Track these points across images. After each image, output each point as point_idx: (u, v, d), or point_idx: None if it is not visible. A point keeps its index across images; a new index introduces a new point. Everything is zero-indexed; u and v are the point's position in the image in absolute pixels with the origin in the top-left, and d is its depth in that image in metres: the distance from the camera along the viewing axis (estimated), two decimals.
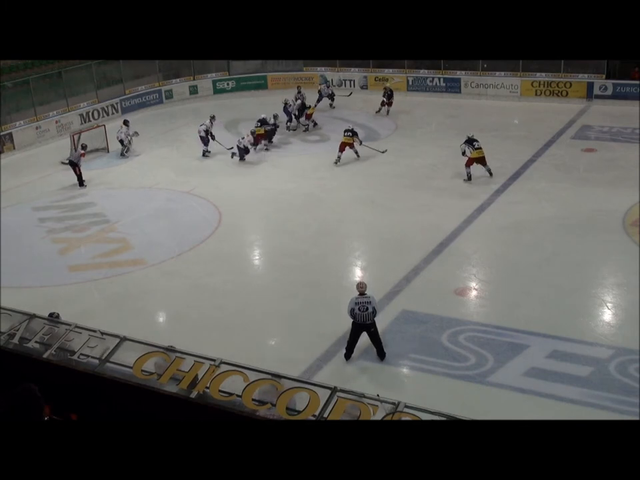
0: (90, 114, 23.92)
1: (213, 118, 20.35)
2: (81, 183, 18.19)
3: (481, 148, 16.57)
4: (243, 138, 19.48)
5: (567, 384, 9.12)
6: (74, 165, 18.11)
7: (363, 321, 9.61)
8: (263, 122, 20.05)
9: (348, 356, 9.90)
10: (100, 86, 24.70)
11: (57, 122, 22.84)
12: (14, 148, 21.53)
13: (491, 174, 16.71)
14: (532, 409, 8.57)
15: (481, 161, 16.61)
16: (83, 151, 18.18)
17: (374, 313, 9.60)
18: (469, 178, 16.62)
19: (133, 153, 20.44)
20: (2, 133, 21.34)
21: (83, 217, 16.14)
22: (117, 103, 24.91)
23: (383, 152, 18.83)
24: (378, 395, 5.16)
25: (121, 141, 20.39)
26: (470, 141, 16.74)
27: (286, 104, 22.35)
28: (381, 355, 9.85)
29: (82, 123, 23.31)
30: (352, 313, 9.63)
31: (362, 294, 9.63)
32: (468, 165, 16.62)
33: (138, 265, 13.54)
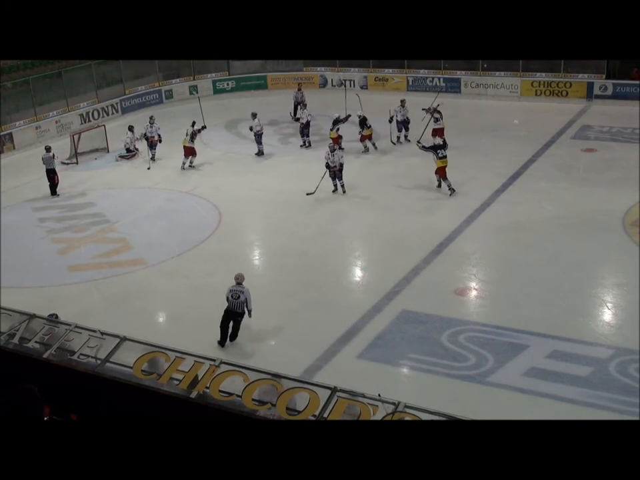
0: (90, 114, 23.92)
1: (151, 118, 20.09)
2: (54, 191, 17.57)
3: (445, 157, 15.74)
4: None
5: (567, 384, 9.12)
6: (53, 172, 17.50)
7: (233, 308, 10.36)
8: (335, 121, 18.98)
9: (222, 343, 10.44)
10: (100, 86, 24.71)
11: (56, 122, 22.85)
12: (14, 148, 21.53)
13: (439, 186, 16.06)
14: (532, 409, 8.57)
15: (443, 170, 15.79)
16: (52, 153, 17.66)
17: (245, 303, 10.31)
18: (451, 190, 15.81)
19: (142, 155, 20.14)
20: (2, 133, 21.35)
21: (82, 217, 16.15)
22: (116, 103, 24.91)
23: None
24: (379, 395, 5.16)
25: (127, 149, 20.26)
26: (436, 148, 15.84)
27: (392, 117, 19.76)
28: (232, 337, 10.50)
29: (82, 123, 23.32)
30: (227, 299, 10.39)
31: (238, 284, 10.39)
32: (441, 175, 15.83)
33: (138, 265, 13.54)
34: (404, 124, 19.79)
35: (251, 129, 19.61)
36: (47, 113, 22.78)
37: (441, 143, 16.05)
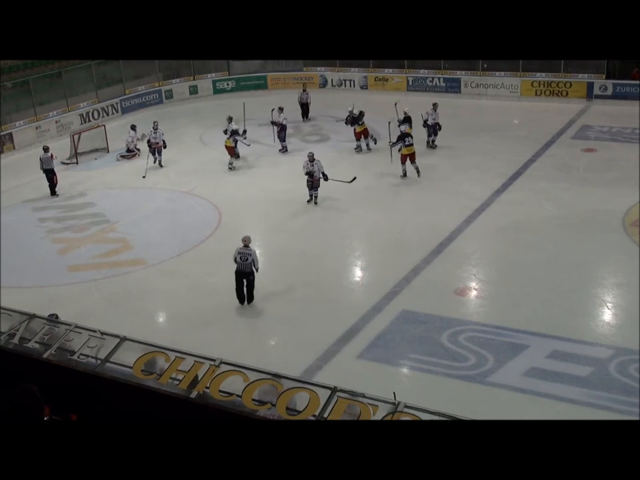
0: (90, 114, 23.93)
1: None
2: (54, 192, 17.59)
3: (412, 145, 16.84)
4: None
5: (567, 384, 9.12)
6: (51, 172, 17.50)
7: (243, 269, 11.25)
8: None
9: (241, 302, 11.51)
10: (100, 86, 24.73)
11: (56, 122, 22.86)
12: (14, 148, 21.54)
13: (418, 173, 16.87)
14: (532, 408, 8.57)
15: (412, 157, 16.92)
16: (51, 153, 17.64)
17: (253, 263, 11.22)
18: (404, 174, 17.09)
19: (144, 155, 19.83)
20: (2, 133, 21.36)
21: (82, 217, 16.15)
22: (116, 103, 24.92)
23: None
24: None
25: (129, 149, 20.19)
26: (403, 137, 16.91)
27: (426, 121, 19.15)
28: (249, 299, 11.53)
29: (82, 123, 23.33)
30: (235, 260, 11.30)
31: (246, 246, 11.26)
32: (402, 161, 17.02)
33: (138, 265, 13.54)
34: (434, 128, 19.19)
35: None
36: (47, 112, 22.79)
37: (407, 132, 17.03)
